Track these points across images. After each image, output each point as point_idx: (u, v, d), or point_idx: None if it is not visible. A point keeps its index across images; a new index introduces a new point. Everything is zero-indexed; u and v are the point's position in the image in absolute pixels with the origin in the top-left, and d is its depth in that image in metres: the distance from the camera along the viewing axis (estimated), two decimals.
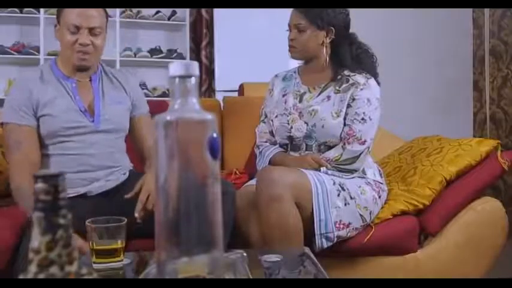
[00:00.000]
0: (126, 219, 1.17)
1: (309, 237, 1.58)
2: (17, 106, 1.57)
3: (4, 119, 1.59)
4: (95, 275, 0.63)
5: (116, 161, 1.69)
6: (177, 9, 3.71)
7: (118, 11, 3.56)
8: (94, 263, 1.13)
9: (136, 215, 1.46)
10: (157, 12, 3.68)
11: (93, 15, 1.58)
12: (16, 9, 3.32)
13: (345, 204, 1.64)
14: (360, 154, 1.72)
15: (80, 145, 1.60)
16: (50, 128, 1.58)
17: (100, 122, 1.63)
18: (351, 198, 1.66)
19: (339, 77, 1.81)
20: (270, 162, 1.82)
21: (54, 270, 0.57)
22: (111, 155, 1.67)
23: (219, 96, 3.46)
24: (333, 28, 1.77)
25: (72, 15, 1.56)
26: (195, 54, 3.73)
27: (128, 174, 1.72)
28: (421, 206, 1.82)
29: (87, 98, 1.65)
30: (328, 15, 1.76)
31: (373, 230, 1.72)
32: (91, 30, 1.58)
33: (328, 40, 1.79)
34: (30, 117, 1.57)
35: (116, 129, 1.68)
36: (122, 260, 1.15)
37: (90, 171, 1.61)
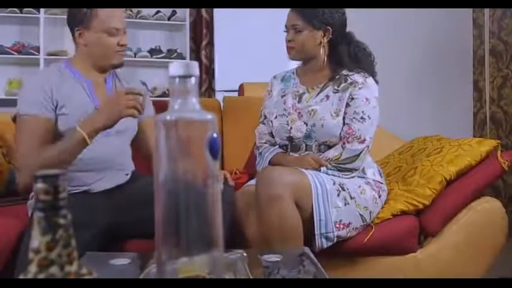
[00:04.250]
0: None
1: (309, 237, 1.58)
2: (35, 99, 1.55)
3: (21, 111, 1.56)
4: (94, 275, 0.63)
5: (122, 162, 1.71)
6: (177, 9, 3.71)
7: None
8: None
9: None
10: (157, 12, 3.68)
11: (123, 15, 1.67)
12: (16, 9, 3.31)
13: (345, 204, 1.64)
14: (360, 153, 1.72)
15: (92, 146, 1.58)
16: (67, 127, 1.57)
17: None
18: (351, 198, 1.66)
19: (337, 76, 1.81)
20: (270, 163, 1.82)
21: (54, 270, 0.57)
22: (119, 156, 1.69)
23: (219, 96, 3.46)
24: (329, 28, 1.78)
25: (113, 18, 1.61)
26: (195, 54, 3.73)
27: (130, 175, 1.73)
28: (421, 206, 1.82)
29: (103, 97, 1.66)
30: (325, 14, 1.76)
31: (373, 230, 1.72)
32: (124, 30, 1.65)
33: (325, 40, 1.80)
34: (49, 111, 1.56)
35: (127, 131, 1.71)
36: None
37: (96, 170, 1.62)
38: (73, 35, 1.66)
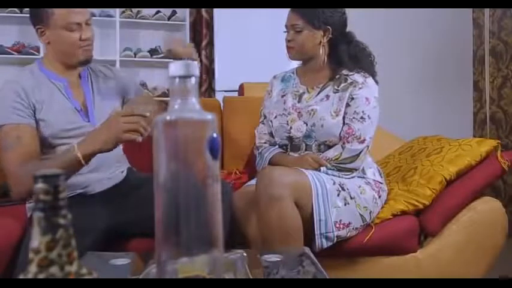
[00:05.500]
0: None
1: (309, 237, 1.58)
2: (11, 107, 1.50)
3: (0, 121, 1.50)
4: (94, 275, 0.63)
5: (114, 159, 1.67)
6: (177, 9, 3.71)
7: (118, 11, 3.56)
8: None
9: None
10: (157, 12, 3.69)
11: (84, 9, 1.57)
12: (16, 9, 3.32)
13: (345, 204, 1.64)
14: (360, 153, 1.72)
15: None
16: (49, 131, 1.54)
17: (95, 120, 1.59)
18: (351, 198, 1.66)
19: (337, 76, 1.81)
20: (270, 163, 1.82)
21: (54, 270, 0.57)
22: (109, 154, 1.62)
23: (219, 96, 3.46)
24: (329, 27, 1.78)
25: (71, 14, 1.53)
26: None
27: (125, 172, 1.72)
28: (421, 206, 1.82)
29: (79, 96, 1.62)
30: (324, 14, 1.76)
31: (373, 230, 1.72)
32: (86, 22, 1.57)
33: (325, 40, 1.80)
34: (29, 117, 1.51)
35: None
36: None
37: (89, 172, 1.58)
38: (37, 33, 1.60)
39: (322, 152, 1.77)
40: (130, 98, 1.74)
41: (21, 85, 1.53)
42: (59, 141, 1.56)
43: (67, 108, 1.58)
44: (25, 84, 1.54)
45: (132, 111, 1.38)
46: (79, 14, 1.54)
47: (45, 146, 1.56)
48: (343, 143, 1.74)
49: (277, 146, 1.88)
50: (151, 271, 0.93)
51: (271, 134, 1.90)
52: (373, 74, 1.82)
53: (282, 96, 1.89)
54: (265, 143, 1.91)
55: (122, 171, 1.71)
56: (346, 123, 1.75)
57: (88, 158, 1.40)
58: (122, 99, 1.74)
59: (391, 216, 1.79)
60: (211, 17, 3.74)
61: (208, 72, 3.72)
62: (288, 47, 1.82)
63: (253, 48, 3.70)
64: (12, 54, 3.38)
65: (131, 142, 1.37)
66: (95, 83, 1.69)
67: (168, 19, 3.72)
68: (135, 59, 3.65)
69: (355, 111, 1.74)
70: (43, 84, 1.58)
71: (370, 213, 1.71)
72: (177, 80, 0.67)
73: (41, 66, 1.63)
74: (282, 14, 1.85)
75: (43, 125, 1.54)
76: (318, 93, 1.82)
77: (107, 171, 1.65)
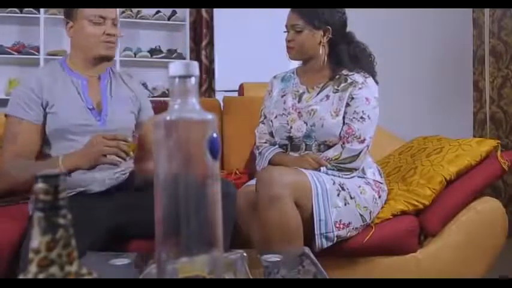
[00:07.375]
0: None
1: (309, 237, 1.58)
2: (22, 101, 1.55)
3: (8, 111, 1.57)
4: (94, 275, 0.63)
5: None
6: (177, 9, 3.71)
7: (118, 11, 3.56)
8: None
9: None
10: (157, 12, 3.68)
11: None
12: (16, 9, 3.32)
13: (345, 204, 1.65)
14: (360, 153, 1.72)
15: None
16: (57, 125, 1.57)
17: (106, 121, 1.62)
18: (351, 198, 1.67)
19: (337, 76, 1.81)
20: (270, 163, 1.82)
21: (54, 270, 0.57)
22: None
23: (219, 96, 3.46)
24: (329, 27, 1.78)
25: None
26: (195, 54, 3.73)
27: (128, 174, 1.71)
28: (421, 206, 1.82)
29: (95, 96, 1.65)
30: (324, 14, 1.77)
31: (373, 230, 1.72)
32: (113, 21, 1.61)
33: (325, 40, 1.80)
34: (35, 114, 1.56)
35: (121, 130, 1.63)
36: None
37: (91, 171, 1.54)
38: (65, 28, 1.65)
39: (322, 152, 1.77)
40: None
41: (39, 81, 1.58)
42: (68, 136, 1.58)
43: (80, 105, 1.61)
44: (44, 79, 1.59)
45: (115, 135, 1.40)
46: (107, 9, 1.59)
47: (51, 143, 1.59)
48: (343, 143, 1.74)
49: (277, 146, 1.88)
50: (151, 271, 0.93)
51: (271, 134, 1.90)
52: (373, 74, 1.82)
53: (282, 96, 1.89)
54: (265, 142, 1.92)
55: (125, 172, 1.70)
56: (346, 123, 1.75)
57: (70, 172, 1.43)
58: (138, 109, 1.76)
59: (391, 216, 1.79)
60: (211, 17, 3.73)
61: (208, 72, 3.72)
62: (288, 47, 1.82)
63: (253, 48, 3.69)
64: (12, 54, 3.38)
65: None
66: (114, 87, 1.71)
67: (168, 19, 3.72)
68: (135, 59, 3.65)
69: (355, 111, 1.74)
70: (60, 79, 1.62)
71: (370, 213, 1.72)
72: (177, 80, 0.67)
73: (64, 63, 1.67)
74: (282, 14, 1.85)
75: (53, 118, 1.57)
76: (318, 93, 1.82)
77: (109, 171, 1.64)
